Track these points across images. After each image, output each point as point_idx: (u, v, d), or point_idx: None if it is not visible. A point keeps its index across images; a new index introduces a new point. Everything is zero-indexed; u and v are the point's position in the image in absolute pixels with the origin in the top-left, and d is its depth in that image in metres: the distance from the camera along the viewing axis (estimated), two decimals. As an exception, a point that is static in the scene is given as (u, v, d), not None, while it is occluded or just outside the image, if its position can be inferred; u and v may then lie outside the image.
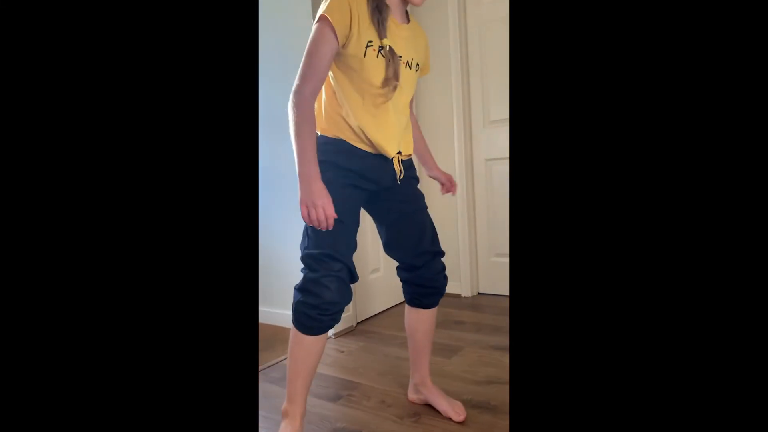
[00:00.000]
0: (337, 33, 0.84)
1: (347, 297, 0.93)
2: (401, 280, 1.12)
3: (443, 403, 1.11)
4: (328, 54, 0.85)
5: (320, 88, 0.88)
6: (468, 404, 1.15)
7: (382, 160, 0.97)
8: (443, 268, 1.10)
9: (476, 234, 2.24)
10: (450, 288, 2.29)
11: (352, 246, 0.95)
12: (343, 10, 0.84)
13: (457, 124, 2.17)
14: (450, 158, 2.21)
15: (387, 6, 0.89)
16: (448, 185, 1.18)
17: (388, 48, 0.89)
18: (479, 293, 2.27)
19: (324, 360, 1.51)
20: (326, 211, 0.83)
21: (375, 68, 0.89)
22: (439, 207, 2.29)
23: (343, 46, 0.86)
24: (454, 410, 1.09)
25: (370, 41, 0.88)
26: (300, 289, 0.92)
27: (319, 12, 0.85)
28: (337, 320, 0.92)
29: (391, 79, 0.90)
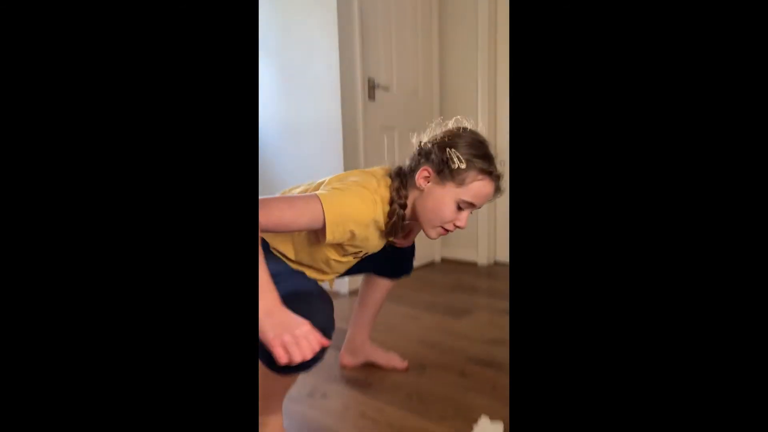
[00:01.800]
0: (326, 234, 0.73)
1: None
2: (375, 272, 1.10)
3: (384, 357, 1.15)
4: (305, 228, 0.76)
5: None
6: (472, 361, 1.17)
7: None
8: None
9: (495, 202, 2.21)
10: (467, 255, 2.29)
11: None
12: (345, 230, 0.75)
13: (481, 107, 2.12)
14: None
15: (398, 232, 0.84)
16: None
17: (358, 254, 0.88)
18: (496, 262, 2.26)
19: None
20: (310, 338, 0.60)
21: (338, 260, 0.87)
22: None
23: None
24: (397, 360, 1.14)
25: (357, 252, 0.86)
26: None
27: (330, 202, 0.71)
28: None
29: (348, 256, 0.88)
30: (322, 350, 0.66)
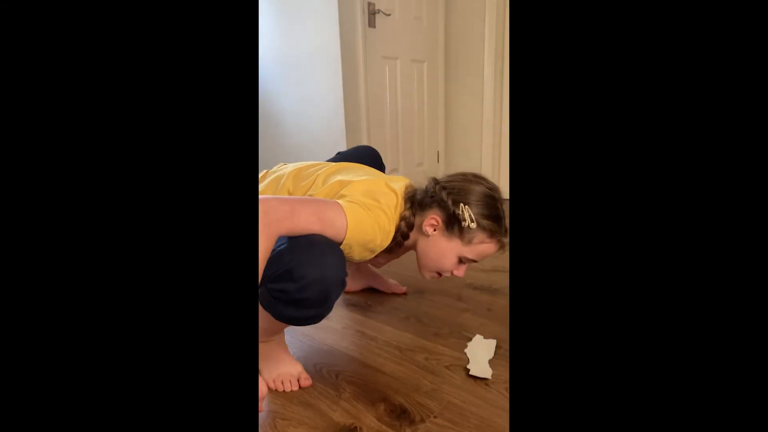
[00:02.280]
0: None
1: None
2: None
3: (385, 283, 1.18)
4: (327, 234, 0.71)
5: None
6: (470, 287, 1.20)
7: None
8: None
9: (501, 139, 2.17)
10: (469, 193, 2.29)
11: None
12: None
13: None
14: (479, 78, 2.07)
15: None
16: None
17: None
18: (499, 199, 2.26)
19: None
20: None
21: None
22: (464, 107, 2.20)
23: None
24: (396, 286, 1.18)
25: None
26: None
27: (355, 225, 0.69)
28: None
29: None
30: (330, 303, 0.68)
